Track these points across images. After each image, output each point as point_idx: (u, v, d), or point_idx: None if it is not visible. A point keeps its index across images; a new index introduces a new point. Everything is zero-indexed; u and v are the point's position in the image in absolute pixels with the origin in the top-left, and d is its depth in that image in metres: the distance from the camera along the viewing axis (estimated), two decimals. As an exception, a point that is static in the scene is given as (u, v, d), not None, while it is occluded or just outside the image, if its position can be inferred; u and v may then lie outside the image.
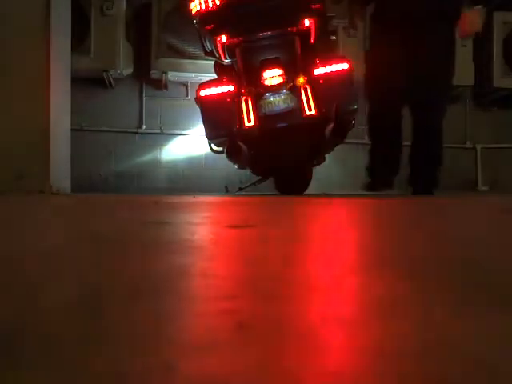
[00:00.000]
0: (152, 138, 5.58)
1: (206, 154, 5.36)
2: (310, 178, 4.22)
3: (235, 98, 3.62)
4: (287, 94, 3.60)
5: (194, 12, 3.75)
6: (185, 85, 5.53)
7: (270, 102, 3.61)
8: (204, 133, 3.86)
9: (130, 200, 2.92)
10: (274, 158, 3.79)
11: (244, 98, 3.59)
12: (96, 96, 5.41)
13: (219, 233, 1.11)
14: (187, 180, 5.56)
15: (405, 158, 3.68)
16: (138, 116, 5.57)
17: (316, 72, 3.62)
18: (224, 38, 3.61)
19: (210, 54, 3.81)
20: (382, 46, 3.61)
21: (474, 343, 0.34)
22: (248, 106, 3.58)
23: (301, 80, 3.57)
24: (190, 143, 5.59)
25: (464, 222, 1.52)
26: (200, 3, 3.69)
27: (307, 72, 3.59)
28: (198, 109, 3.87)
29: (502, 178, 5.86)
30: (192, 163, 5.59)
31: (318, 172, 4.51)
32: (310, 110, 3.55)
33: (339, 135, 3.63)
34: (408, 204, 2.50)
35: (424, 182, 3.63)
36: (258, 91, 3.58)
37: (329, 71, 3.63)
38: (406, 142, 3.69)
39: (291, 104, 3.59)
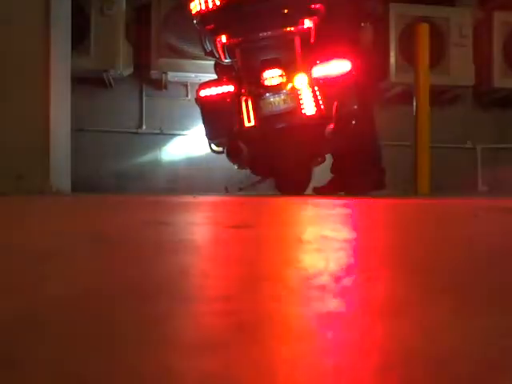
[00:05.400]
0: (152, 138, 5.58)
1: (206, 154, 5.35)
2: (310, 178, 4.22)
3: (235, 98, 3.62)
4: (287, 95, 3.59)
5: (194, 12, 3.74)
6: (185, 85, 5.53)
7: (270, 103, 3.60)
8: (204, 133, 3.86)
9: (130, 200, 2.92)
10: (273, 158, 3.79)
11: (244, 98, 3.59)
12: (96, 96, 5.41)
13: (219, 233, 1.11)
14: (187, 180, 5.56)
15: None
16: (138, 116, 5.57)
17: (316, 72, 3.61)
18: (224, 38, 3.60)
19: (209, 54, 3.81)
20: None
21: (474, 343, 0.34)
22: (248, 107, 3.58)
23: (301, 80, 3.56)
24: (189, 143, 5.59)
25: (465, 223, 1.52)
26: (200, 3, 3.68)
27: (307, 72, 3.59)
28: (197, 109, 3.87)
29: (502, 178, 5.86)
30: (192, 163, 5.58)
31: (318, 172, 4.50)
32: (309, 110, 3.55)
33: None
34: (408, 205, 2.50)
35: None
36: (258, 91, 3.58)
37: (329, 71, 3.62)
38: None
39: (291, 104, 3.58)
